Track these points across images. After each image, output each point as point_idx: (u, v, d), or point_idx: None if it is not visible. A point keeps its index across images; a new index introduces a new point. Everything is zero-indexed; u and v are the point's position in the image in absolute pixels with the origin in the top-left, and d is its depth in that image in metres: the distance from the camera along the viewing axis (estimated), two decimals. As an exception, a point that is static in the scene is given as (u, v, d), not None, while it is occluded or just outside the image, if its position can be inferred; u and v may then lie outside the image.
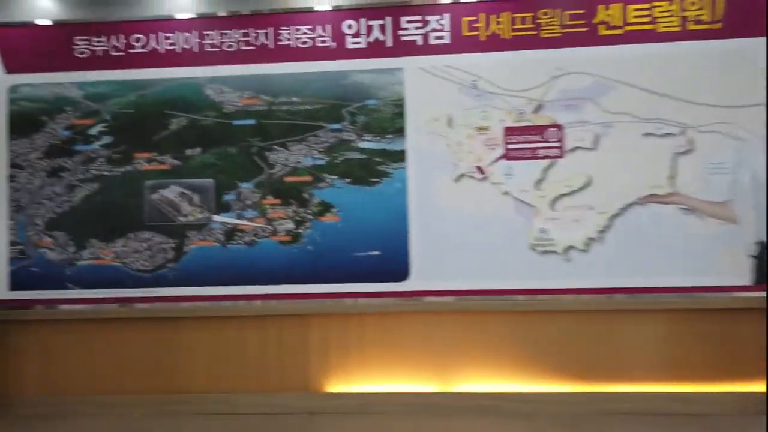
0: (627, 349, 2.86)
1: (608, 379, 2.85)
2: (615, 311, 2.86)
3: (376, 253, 2.92)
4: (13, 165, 3.06)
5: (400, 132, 2.95)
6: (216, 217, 2.99)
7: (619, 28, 2.86)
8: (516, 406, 2.85)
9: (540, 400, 2.85)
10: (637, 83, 2.84)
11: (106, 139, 3.04)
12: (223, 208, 2.99)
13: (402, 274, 2.91)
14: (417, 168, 2.93)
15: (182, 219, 2.99)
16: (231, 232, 2.98)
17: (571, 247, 2.86)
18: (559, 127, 2.89)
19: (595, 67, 2.88)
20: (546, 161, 2.89)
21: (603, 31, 2.87)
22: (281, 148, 2.99)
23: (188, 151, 3.01)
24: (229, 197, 2.99)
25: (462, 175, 2.92)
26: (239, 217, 2.98)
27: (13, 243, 3.03)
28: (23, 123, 3.06)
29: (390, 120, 2.95)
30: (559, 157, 2.88)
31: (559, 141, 2.88)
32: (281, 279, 2.95)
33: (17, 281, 3.02)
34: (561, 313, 2.88)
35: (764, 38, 2.78)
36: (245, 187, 2.99)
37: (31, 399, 3.01)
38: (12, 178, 3.05)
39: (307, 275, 2.95)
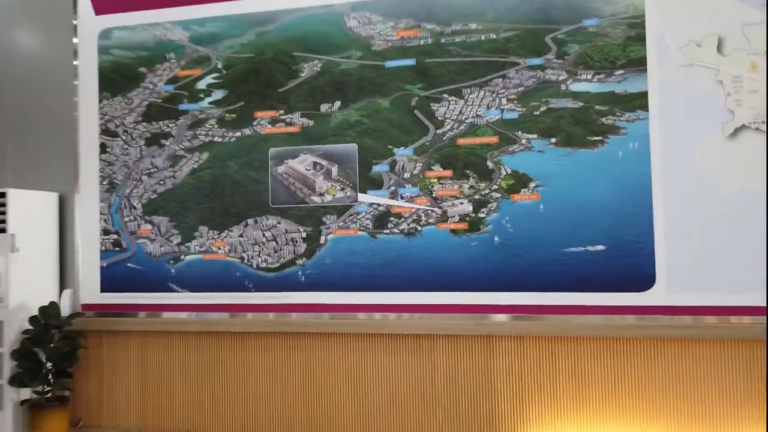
0: None
1: None
2: None
3: (600, 248, 1.96)
4: (105, 131, 2.40)
5: (637, 65, 1.95)
6: (362, 197, 2.16)
7: None
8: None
9: None
10: None
11: (218, 94, 2.30)
12: (372, 183, 2.15)
13: (643, 280, 1.93)
14: (666, 118, 1.92)
15: (317, 199, 2.20)
16: (383, 217, 2.14)
17: None
18: None
19: None
20: None
21: None
22: (453, 98, 2.10)
23: (324, 107, 2.20)
24: (379, 168, 2.15)
25: (742, 127, 1.87)
26: (394, 195, 2.14)
27: (105, 231, 2.39)
28: (116, 77, 2.38)
29: (621, 48, 1.97)
30: None
31: None
32: (455, 284, 2.05)
33: (110, 280, 2.36)
34: None
35: None
36: (402, 153, 2.14)
37: (128, 434, 2.36)
38: (103, 148, 2.41)
39: (492, 279, 2.03)
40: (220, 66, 2.29)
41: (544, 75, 2.01)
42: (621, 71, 1.95)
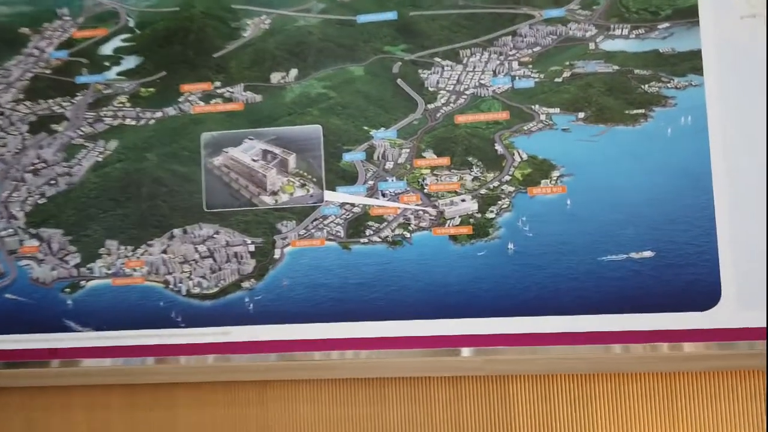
0: None
1: None
2: None
3: (647, 254, 1.49)
4: (-28, 113, 1.79)
5: (686, 16, 1.50)
6: (330, 195, 1.63)
7: None
8: None
9: None
10: None
11: (130, 62, 1.71)
12: (343, 177, 1.62)
13: (705, 295, 1.46)
14: (727, 84, 1.46)
15: (268, 200, 1.65)
16: (358, 222, 1.60)
17: None
18: None
19: None
20: None
21: None
22: (448, 62, 1.60)
23: (276, 77, 1.66)
24: (352, 157, 1.62)
25: (826, 94, 1.48)
26: (372, 192, 1.61)
27: (-27, 251, 1.75)
28: (-12, 40, 1.79)
29: (664, -6, 1.55)
30: None
31: None
32: (456, 308, 1.52)
33: (-19, 319, 1.73)
34: None
35: None
36: (382, 136, 1.61)
37: None
38: (-30, 137, 1.78)
39: (506, 300, 1.53)
40: (132, 24, 1.70)
41: (567, 30, 1.54)
42: (666, 24, 1.51)
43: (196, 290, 1.63)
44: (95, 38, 1.71)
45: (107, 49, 1.71)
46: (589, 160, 1.52)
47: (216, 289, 1.63)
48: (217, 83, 1.66)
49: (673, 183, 1.48)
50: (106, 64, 1.70)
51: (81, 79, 1.71)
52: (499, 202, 1.54)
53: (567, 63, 1.54)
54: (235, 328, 1.62)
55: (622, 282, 1.49)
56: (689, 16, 1.50)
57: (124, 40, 1.71)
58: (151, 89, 1.69)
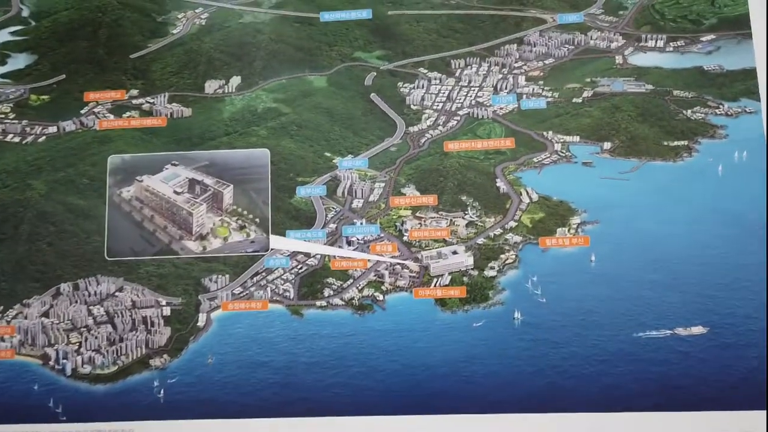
0: None
1: None
2: None
3: (698, 330, 1.13)
4: None
5: (735, 27, 1.23)
6: (278, 241, 1.24)
7: None
8: None
9: None
10: None
11: (20, 61, 1.31)
12: (296, 218, 1.25)
13: (778, 387, 1.14)
14: (789, 111, 1.21)
15: (193, 246, 1.24)
16: (314, 278, 1.22)
17: None
18: None
19: None
20: None
21: None
22: (436, 74, 1.27)
23: (212, 85, 1.28)
24: (310, 191, 1.25)
25: None
26: (335, 239, 1.23)
27: None
28: None
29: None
30: None
31: None
32: (445, 400, 1.15)
33: None
34: None
35: None
36: (349, 166, 1.26)
37: None
38: None
39: (509, 391, 1.15)
40: (26, 13, 1.33)
41: (587, 39, 1.23)
42: (710, 36, 1.22)
43: (86, 369, 1.18)
44: (-25, 29, 1.33)
45: (-9, 43, 1.33)
46: (619, 204, 1.17)
47: (114, 368, 1.19)
48: (134, 91, 1.28)
49: (726, 235, 1.15)
50: (-13, 62, 1.32)
51: (-49, 81, 1.32)
52: (502, 255, 1.17)
53: (588, 80, 1.22)
54: (140, 424, 1.17)
55: (666, 367, 1.12)
56: (738, 27, 1.20)
57: (14, 33, 1.33)
58: (45, 97, 1.29)
